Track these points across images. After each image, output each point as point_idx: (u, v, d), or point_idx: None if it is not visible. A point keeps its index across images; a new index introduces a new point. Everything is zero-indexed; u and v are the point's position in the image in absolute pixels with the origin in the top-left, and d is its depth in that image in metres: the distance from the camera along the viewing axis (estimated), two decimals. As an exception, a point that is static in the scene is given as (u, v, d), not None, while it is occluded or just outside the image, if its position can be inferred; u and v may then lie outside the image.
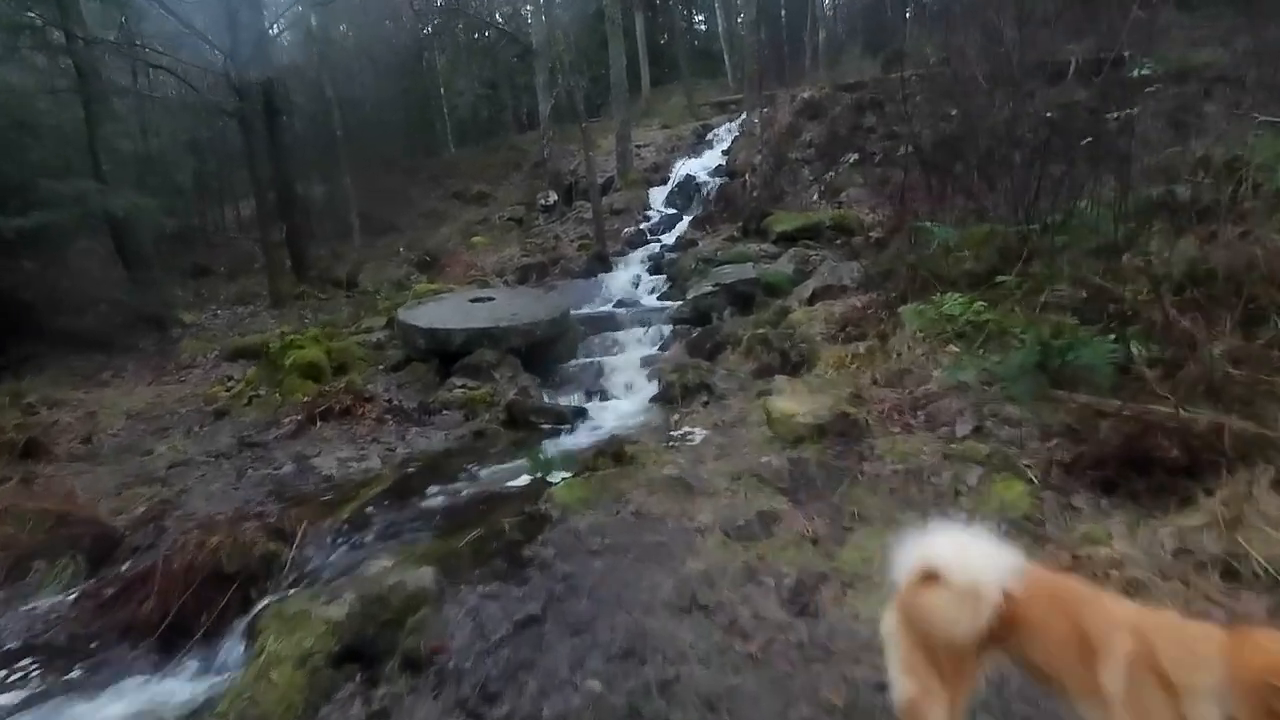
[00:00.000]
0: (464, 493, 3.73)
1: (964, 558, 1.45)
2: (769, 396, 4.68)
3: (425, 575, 2.63)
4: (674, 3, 30.15)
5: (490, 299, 6.95)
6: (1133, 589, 2.18)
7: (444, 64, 25.34)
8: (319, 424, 5.19)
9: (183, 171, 18.74)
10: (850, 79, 18.08)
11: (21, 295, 8.41)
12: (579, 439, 4.80)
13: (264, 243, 12.07)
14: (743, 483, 3.18)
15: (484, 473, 4.09)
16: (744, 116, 19.36)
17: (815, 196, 13.06)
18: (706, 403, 5.06)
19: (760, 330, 6.10)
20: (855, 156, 11.98)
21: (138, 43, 12.84)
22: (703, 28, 30.74)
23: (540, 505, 3.27)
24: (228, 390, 6.78)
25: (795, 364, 5.57)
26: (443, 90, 25.12)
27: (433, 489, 3.84)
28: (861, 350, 5.09)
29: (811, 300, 6.82)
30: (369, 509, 3.58)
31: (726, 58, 26.96)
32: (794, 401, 3.87)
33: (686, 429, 4.56)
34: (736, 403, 4.89)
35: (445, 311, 6.65)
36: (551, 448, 4.63)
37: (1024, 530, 2.65)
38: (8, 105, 8.53)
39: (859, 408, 3.87)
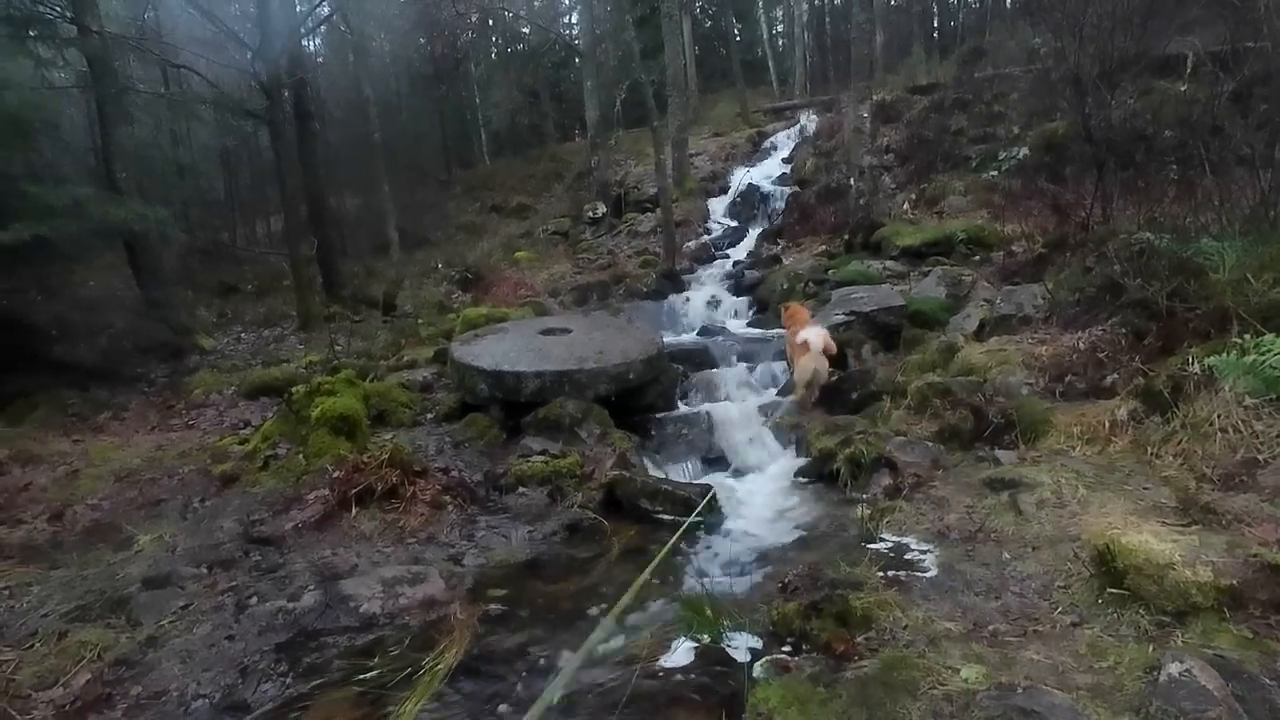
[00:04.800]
0: (588, 677, 2.24)
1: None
2: (1015, 492, 3.17)
3: None
4: (719, 10, 29.05)
5: (566, 330, 5.50)
6: None
7: (480, 72, 24.35)
8: (354, 510, 3.78)
9: (214, 183, 17.82)
10: (920, 80, 16.92)
11: (14, 319, 7.19)
12: (729, 549, 3.30)
13: (292, 258, 10.83)
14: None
15: (610, 631, 2.59)
16: (802, 123, 17.96)
17: (905, 206, 11.63)
18: (899, 489, 3.54)
19: (933, 377, 4.57)
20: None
21: (161, 40, 11.78)
22: (738, 38, 29.43)
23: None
24: (241, 443, 5.43)
25: (998, 428, 4.04)
26: (478, 100, 24.11)
27: (538, 660, 2.38)
28: (1122, 416, 3.54)
29: (981, 334, 5.28)
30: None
31: (771, 65, 25.68)
32: (1144, 531, 2.33)
33: (894, 539, 3.06)
34: (951, 493, 3.37)
35: (511, 348, 5.22)
36: (692, 565, 3.15)
37: None
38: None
39: (1236, 537, 2.33)
